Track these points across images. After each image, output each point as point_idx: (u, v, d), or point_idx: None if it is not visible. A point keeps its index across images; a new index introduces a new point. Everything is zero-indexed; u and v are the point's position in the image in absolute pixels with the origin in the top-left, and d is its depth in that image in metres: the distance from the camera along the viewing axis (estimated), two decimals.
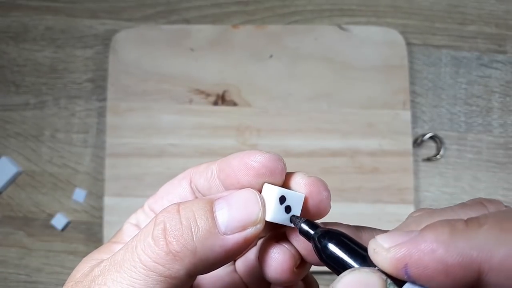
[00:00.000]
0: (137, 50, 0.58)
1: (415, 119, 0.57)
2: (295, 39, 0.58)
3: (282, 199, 0.21)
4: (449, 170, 0.56)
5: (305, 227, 0.20)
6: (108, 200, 0.54)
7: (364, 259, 0.18)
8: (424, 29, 0.59)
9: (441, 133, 0.57)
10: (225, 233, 0.19)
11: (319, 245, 0.19)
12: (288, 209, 0.21)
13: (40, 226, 0.56)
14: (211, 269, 0.20)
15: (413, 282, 0.16)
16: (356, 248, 0.19)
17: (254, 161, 0.21)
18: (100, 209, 0.55)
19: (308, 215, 0.21)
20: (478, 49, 0.59)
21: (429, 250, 0.16)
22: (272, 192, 0.21)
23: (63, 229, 0.55)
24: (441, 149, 0.56)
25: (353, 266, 0.18)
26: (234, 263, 0.26)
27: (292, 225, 0.21)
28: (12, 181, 0.57)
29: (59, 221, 0.55)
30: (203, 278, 0.25)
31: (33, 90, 0.59)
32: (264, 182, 0.21)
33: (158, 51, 0.58)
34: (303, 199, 0.21)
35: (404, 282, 0.17)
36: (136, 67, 0.57)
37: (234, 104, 0.57)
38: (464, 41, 0.59)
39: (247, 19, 0.60)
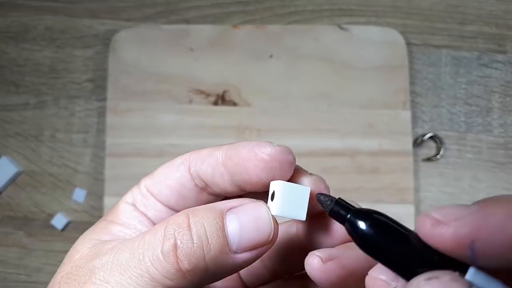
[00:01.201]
0: (137, 50, 0.58)
1: (415, 119, 0.57)
2: (295, 39, 0.58)
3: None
4: (449, 170, 0.56)
5: (336, 208, 0.19)
6: (108, 200, 0.54)
7: (411, 243, 0.16)
8: (424, 29, 0.59)
9: (441, 133, 0.57)
10: (235, 252, 0.19)
11: (353, 228, 0.17)
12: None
13: (40, 226, 0.56)
14: (217, 281, 0.20)
15: (474, 262, 0.15)
16: (402, 230, 0.17)
17: (264, 153, 0.20)
18: (100, 209, 0.55)
19: (309, 212, 0.21)
20: (478, 49, 0.59)
21: (500, 226, 0.14)
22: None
23: (63, 229, 0.55)
24: (441, 149, 0.56)
25: (402, 254, 0.16)
26: None
27: (299, 218, 0.21)
28: (12, 181, 0.57)
29: (59, 221, 0.55)
30: None
31: (33, 90, 0.59)
32: (273, 176, 0.21)
33: (158, 51, 0.58)
34: (309, 192, 0.21)
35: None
36: (136, 67, 0.57)
37: (234, 104, 0.57)
38: (464, 41, 0.59)
39: (247, 19, 0.60)
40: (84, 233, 0.23)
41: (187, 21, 0.60)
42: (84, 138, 0.57)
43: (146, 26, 0.59)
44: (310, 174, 0.22)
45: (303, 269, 0.21)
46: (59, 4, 0.61)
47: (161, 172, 0.23)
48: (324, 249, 0.20)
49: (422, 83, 0.58)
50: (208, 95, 0.57)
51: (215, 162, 0.22)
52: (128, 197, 0.24)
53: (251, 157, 0.21)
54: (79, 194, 0.56)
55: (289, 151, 0.21)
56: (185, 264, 0.19)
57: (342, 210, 0.19)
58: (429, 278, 0.15)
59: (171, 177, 0.23)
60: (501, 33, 0.59)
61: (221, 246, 0.19)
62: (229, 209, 0.20)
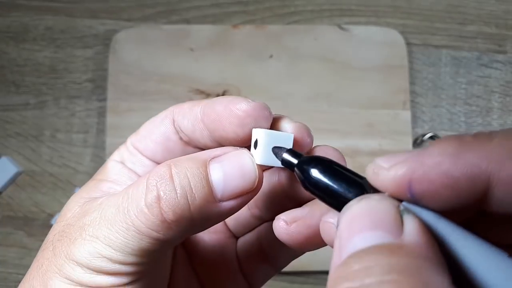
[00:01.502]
0: (137, 50, 0.58)
1: (415, 119, 0.57)
2: (295, 39, 0.58)
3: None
4: None
5: (287, 156, 0.19)
6: None
7: (358, 186, 0.17)
8: (424, 29, 0.59)
9: (441, 133, 0.57)
10: (220, 200, 0.19)
11: (301, 173, 0.18)
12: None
13: (40, 226, 0.56)
14: (203, 230, 0.21)
15: (416, 202, 0.15)
16: (348, 174, 0.17)
17: (239, 109, 0.20)
18: None
19: None
20: (478, 49, 0.59)
21: (434, 164, 0.14)
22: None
23: None
24: None
25: (346, 194, 0.17)
26: None
27: (282, 166, 0.20)
28: (12, 181, 0.57)
29: None
30: None
31: (33, 90, 0.59)
32: (249, 131, 0.20)
33: (158, 51, 0.58)
34: (293, 139, 0.21)
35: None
36: (136, 67, 0.57)
37: None
38: (464, 41, 0.59)
39: (247, 19, 0.60)
40: (75, 193, 0.23)
41: (187, 21, 0.60)
42: (84, 138, 0.57)
43: (146, 26, 0.59)
44: (294, 121, 0.22)
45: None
46: (59, 4, 0.61)
47: (146, 128, 0.23)
48: (289, 211, 0.21)
49: (422, 83, 0.58)
50: (208, 95, 0.57)
51: (194, 118, 0.21)
52: (116, 156, 0.24)
53: (226, 114, 0.20)
54: None
55: (264, 107, 0.20)
56: (169, 215, 0.19)
57: (292, 158, 0.19)
58: (360, 199, 0.15)
59: (156, 131, 0.23)
60: (501, 33, 0.59)
61: (206, 195, 0.19)
62: (212, 158, 0.20)
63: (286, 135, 0.21)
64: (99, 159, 0.57)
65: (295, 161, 0.19)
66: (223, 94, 0.57)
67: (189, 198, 0.19)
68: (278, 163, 0.20)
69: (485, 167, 0.14)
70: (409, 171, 0.15)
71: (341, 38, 0.58)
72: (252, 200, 0.20)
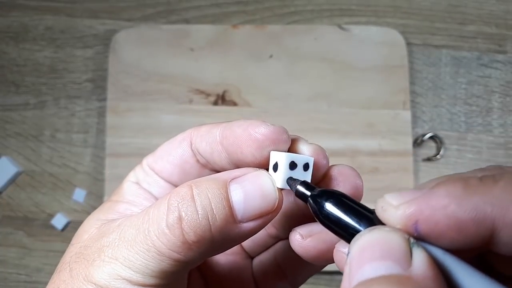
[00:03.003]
0: (137, 50, 0.58)
1: (415, 119, 0.57)
2: (295, 39, 0.58)
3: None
4: (449, 170, 0.56)
5: (301, 188, 0.20)
6: None
7: (368, 220, 0.17)
8: (424, 29, 0.59)
9: (441, 133, 0.57)
10: (241, 221, 0.19)
11: (315, 205, 0.18)
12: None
13: (40, 226, 0.56)
14: (223, 251, 0.21)
15: (423, 240, 0.15)
16: (358, 208, 0.18)
17: (258, 133, 0.20)
18: None
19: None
20: (478, 49, 0.59)
21: (440, 206, 0.15)
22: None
23: (63, 229, 0.55)
24: (441, 149, 0.56)
25: (356, 227, 0.17)
26: None
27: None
28: (12, 181, 0.57)
29: (59, 221, 0.55)
30: None
31: (33, 90, 0.59)
32: (267, 154, 0.20)
33: (158, 51, 0.58)
34: (313, 162, 0.21)
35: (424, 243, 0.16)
36: (136, 67, 0.57)
37: (234, 104, 0.57)
38: (464, 41, 0.59)
39: (247, 19, 0.60)
40: (91, 214, 0.23)
41: (187, 21, 0.60)
42: (84, 138, 0.57)
43: (146, 26, 0.59)
44: (310, 143, 0.22)
45: None
46: (59, 4, 0.61)
47: (163, 149, 0.23)
48: (306, 224, 0.21)
49: (422, 83, 0.58)
50: (208, 95, 0.57)
51: (213, 141, 0.21)
52: (131, 176, 0.24)
53: (245, 137, 0.20)
54: (79, 194, 0.56)
55: (283, 130, 0.20)
56: (191, 236, 0.18)
57: (306, 191, 0.19)
58: (372, 229, 0.16)
59: (173, 153, 0.23)
60: (501, 33, 0.59)
61: (227, 216, 0.19)
62: (232, 179, 0.20)
63: (307, 158, 0.21)
64: (99, 159, 0.57)
65: (308, 193, 0.19)
66: (223, 94, 0.57)
67: (210, 219, 0.19)
68: None
69: (489, 211, 0.14)
70: (416, 211, 0.15)
71: (341, 38, 0.58)
72: None
